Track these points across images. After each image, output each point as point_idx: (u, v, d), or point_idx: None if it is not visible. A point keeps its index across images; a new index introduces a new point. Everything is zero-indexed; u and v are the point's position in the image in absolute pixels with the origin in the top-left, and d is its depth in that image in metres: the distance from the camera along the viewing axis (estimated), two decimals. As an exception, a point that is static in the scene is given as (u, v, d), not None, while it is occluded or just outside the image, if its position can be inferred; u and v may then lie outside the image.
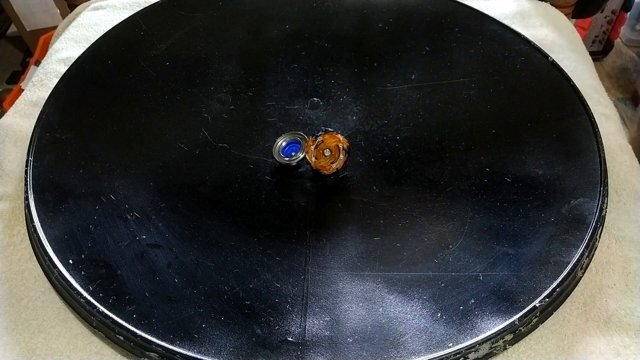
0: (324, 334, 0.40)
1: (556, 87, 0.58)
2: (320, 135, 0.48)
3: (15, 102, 0.62)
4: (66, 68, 0.62)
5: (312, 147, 0.48)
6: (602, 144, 0.52)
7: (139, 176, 0.51)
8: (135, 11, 0.69)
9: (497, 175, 0.50)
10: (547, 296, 0.42)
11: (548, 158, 0.51)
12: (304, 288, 0.43)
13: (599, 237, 0.47)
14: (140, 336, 0.40)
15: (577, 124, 0.54)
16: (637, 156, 0.56)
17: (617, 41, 1.34)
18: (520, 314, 0.41)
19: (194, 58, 0.62)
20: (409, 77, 0.60)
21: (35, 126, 0.54)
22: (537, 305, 0.41)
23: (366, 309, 0.42)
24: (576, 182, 0.49)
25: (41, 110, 0.56)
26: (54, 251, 0.45)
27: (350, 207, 0.48)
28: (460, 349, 0.39)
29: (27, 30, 1.18)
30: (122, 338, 0.41)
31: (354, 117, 0.56)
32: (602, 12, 1.23)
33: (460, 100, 0.57)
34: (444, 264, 0.44)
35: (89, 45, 0.64)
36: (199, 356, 0.39)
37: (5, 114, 0.61)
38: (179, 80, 0.60)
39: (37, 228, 0.46)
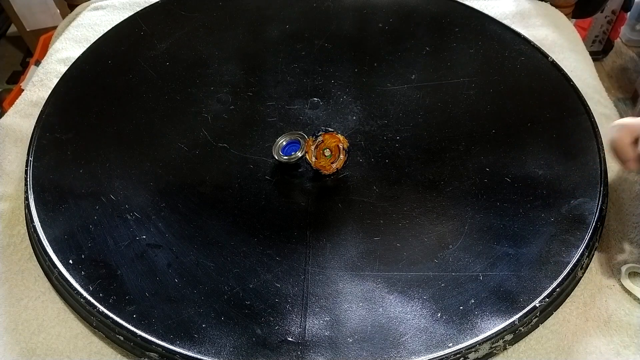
0: (324, 334, 0.40)
1: (556, 87, 0.58)
2: (320, 135, 0.48)
3: (15, 102, 0.62)
4: (66, 68, 0.62)
5: (312, 147, 0.48)
6: (602, 144, 0.52)
7: (139, 176, 0.51)
8: (135, 11, 0.69)
9: (497, 175, 0.50)
10: (547, 296, 0.42)
11: (548, 158, 0.51)
12: (304, 288, 0.43)
13: (599, 237, 0.47)
14: (140, 336, 0.40)
15: (577, 124, 0.54)
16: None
17: (617, 41, 1.34)
18: (520, 314, 0.41)
19: (194, 58, 0.62)
20: (409, 77, 0.60)
21: (35, 126, 0.55)
22: (537, 305, 0.41)
23: (366, 309, 0.42)
24: (576, 182, 0.49)
25: (41, 110, 0.56)
26: (54, 251, 0.45)
27: (350, 207, 0.48)
28: (460, 349, 0.39)
29: (27, 30, 1.18)
30: (122, 338, 0.41)
31: (354, 117, 0.56)
32: (602, 12, 1.23)
33: (460, 100, 0.57)
34: (444, 264, 0.44)
35: (89, 45, 0.64)
36: (199, 356, 0.39)
37: (5, 114, 0.61)
38: (179, 80, 0.60)
39: (37, 228, 0.46)
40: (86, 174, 0.50)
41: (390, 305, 0.42)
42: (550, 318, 0.43)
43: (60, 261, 0.44)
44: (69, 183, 0.50)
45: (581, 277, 0.45)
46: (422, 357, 0.39)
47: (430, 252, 0.45)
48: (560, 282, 0.42)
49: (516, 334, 0.41)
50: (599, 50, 1.34)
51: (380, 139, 0.54)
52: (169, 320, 0.41)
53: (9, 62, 1.32)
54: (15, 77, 1.26)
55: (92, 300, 0.42)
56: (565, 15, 0.77)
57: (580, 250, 0.44)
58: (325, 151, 0.49)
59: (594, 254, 0.47)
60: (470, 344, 0.39)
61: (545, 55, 0.61)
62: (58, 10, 1.12)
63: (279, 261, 0.44)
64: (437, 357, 0.39)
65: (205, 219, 0.47)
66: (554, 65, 0.60)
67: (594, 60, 0.74)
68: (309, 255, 0.45)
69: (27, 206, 0.48)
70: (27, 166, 0.51)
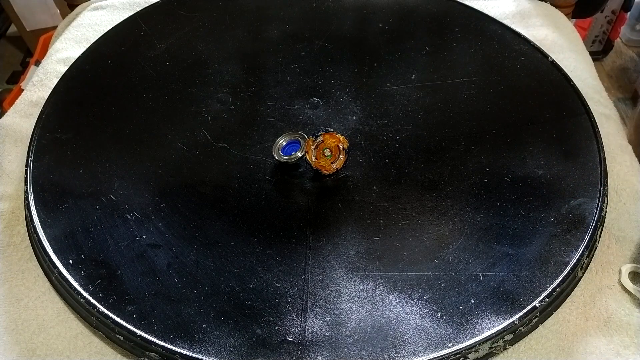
0: (324, 334, 0.40)
1: (556, 87, 0.58)
2: (320, 135, 0.48)
3: (15, 102, 0.62)
4: (66, 68, 0.62)
5: (312, 147, 0.48)
6: (602, 144, 0.52)
7: (139, 176, 0.51)
8: (135, 11, 0.69)
9: (497, 175, 0.50)
10: (547, 296, 0.42)
11: (548, 158, 0.51)
12: (304, 288, 0.43)
13: (599, 237, 0.47)
14: (140, 336, 0.40)
15: (577, 124, 0.54)
16: (635, 155, 0.56)
17: (617, 41, 1.34)
18: (520, 314, 0.41)
19: (194, 58, 0.62)
20: (409, 77, 0.60)
21: (35, 126, 0.55)
22: (537, 305, 0.41)
23: (366, 309, 0.42)
24: (576, 182, 0.49)
25: (41, 110, 0.56)
26: (54, 251, 0.45)
27: (350, 207, 0.48)
28: (460, 349, 0.39)
29: (27, 30, 1.18)
30: (122, 338, 0.41)
31: (354, 117, 0.56)
32: (602, 12, 1.23)
33: (460, 100, 0.57)
34: (444, 264, 0.44)
35: (89, 45, 0.64)
36: (199, 356, 0.39)
37: (5, 114, 0.61)
38: (179, 80, 0.60)
39: (37, 228, 0.46)
40: (86, 174, 0.50)
41: (390, 305, 0.42)
42: (550, 318, 0.43)
43: (60, 261, 0.44)
44: (69, 183, 0.50)
45: (581, 277, 0.45)
46: (422, 357, 0.39)
47: (430, 252, 0.45)
48: (560, 282, 0.42)
49: (516, 334, 0.41)
50: (599, 50, 1.34)
51: (380, 139, 0.54)
52: (169, 320, 0.41)
53: (9, 62, 1.32)
54: (15, 77, 1.26)
55: (92, 300, 0.42)
56: (565, 15, 0.77)
57: (580, 250, 0.44)
58: (325, 151, 0.49)
59: (594, 254, 0.47)
60: (470, 344, 0.39)
61: (545, 55, 0.61)
62: (58, 10, 1.12)
63: (279, 261, 0.44)
64: (437, 357, 0.39)
65: (205, 219, 0.47)
66: (554, 65, 0.60)
67: (594, 60, 0.74)
68: (309, 255, 0.45)
69: (27, 206, 0.48)
70: (27, 166, 0.51)
